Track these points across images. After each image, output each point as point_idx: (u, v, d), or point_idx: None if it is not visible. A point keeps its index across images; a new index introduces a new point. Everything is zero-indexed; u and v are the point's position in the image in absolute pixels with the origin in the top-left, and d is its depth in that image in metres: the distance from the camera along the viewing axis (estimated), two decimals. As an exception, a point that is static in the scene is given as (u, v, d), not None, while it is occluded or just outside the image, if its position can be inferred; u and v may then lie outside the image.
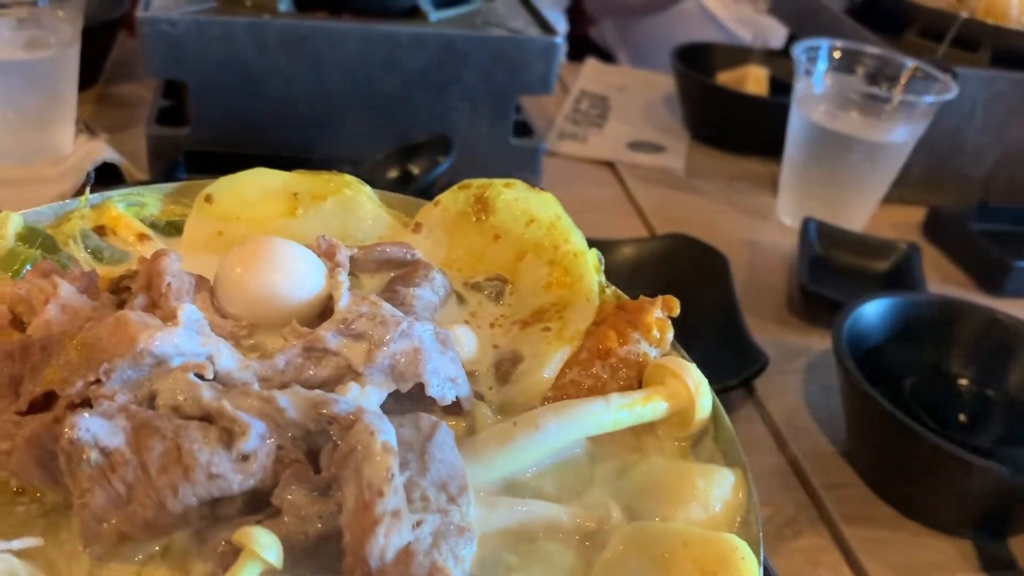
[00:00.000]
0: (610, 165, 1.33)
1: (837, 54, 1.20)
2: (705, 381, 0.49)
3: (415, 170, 1.06)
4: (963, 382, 0.88)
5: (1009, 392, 0.86)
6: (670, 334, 0.52)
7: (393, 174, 1.05)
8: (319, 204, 0.59)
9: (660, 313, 0.51)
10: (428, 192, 0.95)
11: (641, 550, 0.40)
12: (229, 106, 1.10)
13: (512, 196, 0.59)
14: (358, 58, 1.09)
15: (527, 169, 1.20)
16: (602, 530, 0.42)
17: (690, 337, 0.96)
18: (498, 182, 0.59)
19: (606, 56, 1.97)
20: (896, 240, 1.13)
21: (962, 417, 0.87)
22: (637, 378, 0.50)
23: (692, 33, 1.83)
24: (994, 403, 0.86)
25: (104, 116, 1.26)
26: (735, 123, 1.37)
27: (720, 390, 0.86)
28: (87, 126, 1.18)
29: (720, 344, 0.90)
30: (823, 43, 1.19)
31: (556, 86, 1.53)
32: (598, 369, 0.49)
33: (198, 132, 1.10)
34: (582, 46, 1.95)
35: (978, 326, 0.88)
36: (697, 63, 1.44)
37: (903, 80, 1.19)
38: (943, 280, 1.17)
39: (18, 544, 0.37)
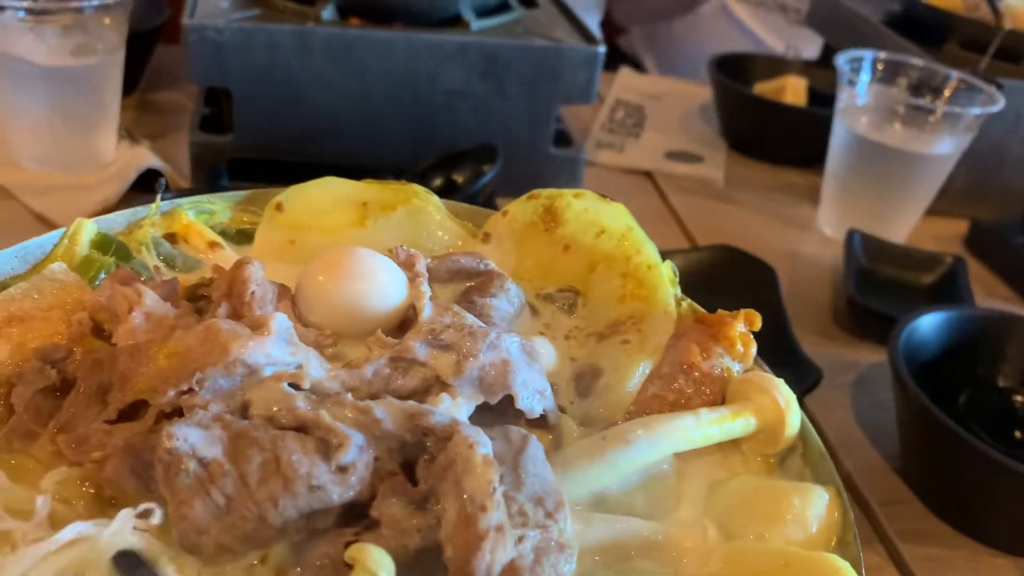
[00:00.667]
0: (648, 175, 1.33)
1: (880, 65, 1.19)
2: (794, 397, 0.48)
3: (459, 179, 1.05)
4: (1019, 398, 0.87)
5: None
6: (754, 348, 0.51)
7: (437, 183, 1.05)
8: (388, 214, 0.59)
9: (743, 327, 0.51)
10: (474, 201, 0.94)
11: (741, 570, 0.39)
12: (272, 114, 1.10)
13: (582, 206, 0.58)
14: (401, 66, 1.09)
15: (568, 179, 1.19)
16: (698, 548, 0.41)
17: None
18: (567, 192, 0.59)
19: (635, 66, 1.97)
20: (941, 253, 1.12)
21: (1018, 434, 0.86)
22: (721, 393, 0.49)
23: (720, 41, 1.82)
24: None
25: (144, 123, 1.26)
26: (774, 134, 1.37)
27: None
28: (129, 133, 1.18)
29: (771, 358, 0.89)
30: (866, 54, 1.19)
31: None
32: (681, 384, 0.49)
33: (241, 139, 1.10)
34: (612, 56, 1.94)
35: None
36: (734, 73, 1.43)
37: (947, 92, 1.18)
38: (988, 294, 1.16)
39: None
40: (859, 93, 1.18)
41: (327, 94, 1.09)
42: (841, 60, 1.16)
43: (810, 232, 1.24)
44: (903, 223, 1.21)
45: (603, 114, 1.46)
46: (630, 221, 0.58)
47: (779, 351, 0.90)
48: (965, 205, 1.28)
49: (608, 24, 2.14)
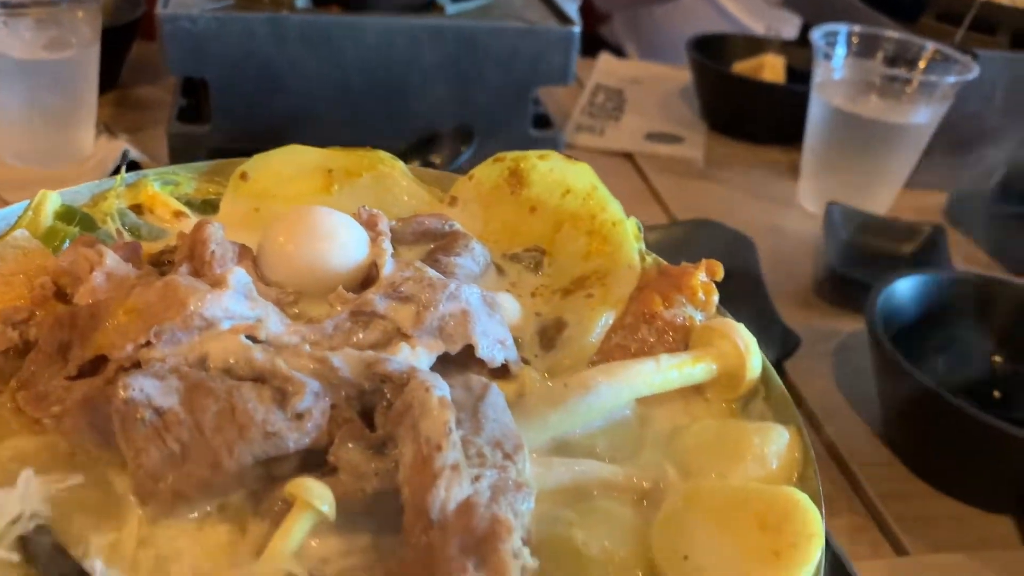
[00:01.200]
0: (628, 156, 1.33)
1: (856, 39, 1.20)
2: (754, 340, 0.48)
3: (436, 160, 1.05)
4: (997, 359, 0.87)
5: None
6: (715, 297, 0.51)
7: (414, 164, 1.04)
8: (354, 180, 0.59)
9: (704, 276, 0.51)
10: (451, 181, 0.95)
11: (700, 507, 0.40)
12: (249, 102, 1.10)
13: (547, 167, 0.59)
14: (377, 52, 1.09)
15: (547, 160, 1.19)
16: (658, 488, 0.41)
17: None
18: (532, 154, 0.59)
19: (617, 52, 1.97)
20: (921, 222, 1.12)
21: (996, 394, 0.86)
22: (683, 342, 0.50)
23: (702, 27, 1.82)
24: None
25: (123, 119, 1.26)
26: (753, 112, 1.37)
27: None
28: (107, 127, 1.18)
29: (750, 326, 0.90)
30: (842, 28, 1.19)
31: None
32: (644, 333, 0.49)
33: (219, 129, 1.10)
34: (593, 43, 1.95)
35: (1010, 303, 0.87)
36: (712, 54, 1.43)
37: (923, 63, 1.18)
38: (967, 261, 1.16)
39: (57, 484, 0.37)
40: (835, 67, 1.18)
41: (304, 81, 1.10)
42: (816, 35, 1.17)
43: (791, 207, 1.25)
44: (883, 195, 1.21)
45: (583, 98, 1.46)
46: (595, 180, 0.58)
47: (758, 319, 0.90)
48: (944, 177, 1.28)
49: (589, 11, 2.14)
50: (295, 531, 0.36)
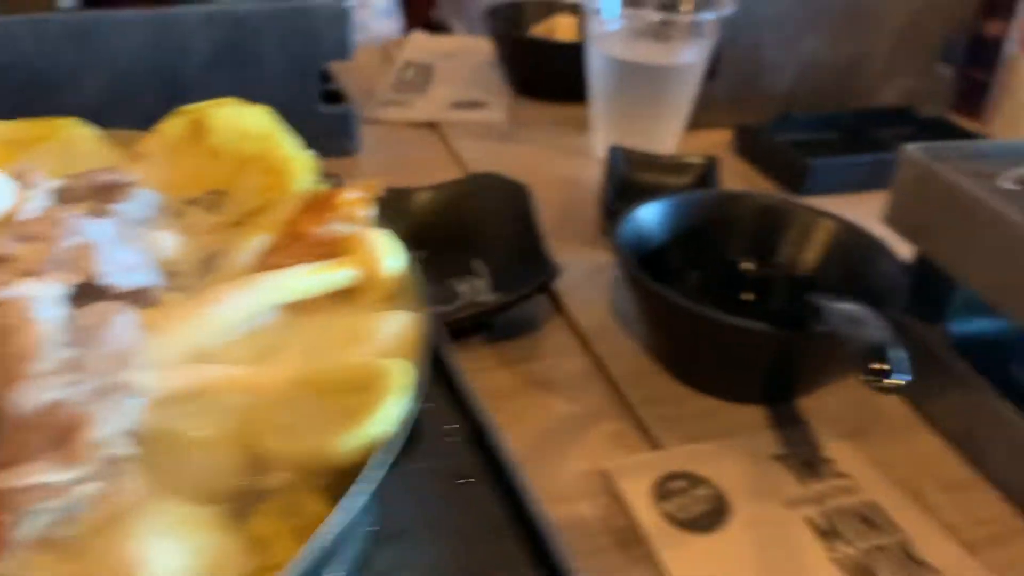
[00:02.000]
0: (435, 126, 1.37)
1: (623, -11, 1.25)
2: (391, 242, 0.51)
3: (216, 144, 1.07)
4: (747, 266, 0.93)
5: (786, 267, 0.91)
6: (367, 211, 0.54)
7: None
8: (36, 147, 0.60)
9: (355, 194, 0.54)
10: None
11: (308, 388, 0.42)
12: (20, 111, 1.09)
13: (227, 114, 0.61)
14: (148, 45, 1.10)
15: (342, 135, 1.22)
16: (274, 379, 0.44)
17: (494, 260, 0.99)
18: (212, 103, 0.62)
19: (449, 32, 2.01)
20: (696, 156, 1.18)
21: (750, 296, 0.92)
22: (333, 255, 0.53)
23: None
24: (776, 280, 0.92)
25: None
26: (551, 72, 1.42)
27: (518, 298, 0.89)
28: None
29: (520, 263, 0.94)
30: (607, -20, 1.25)
31: (383, 60, 1.56)
32: (296, 250, 0.52)
33: (-4, 138, 1.09)
34: (425, 27, 1.97)
35: (748, 212, 0.93)
36: (510, 21, 1.48)
37: (688, 3, 1.24)
38: (751, 187, 1.24)
39: None
40: (607, 19, 1.24)
41: (75, 83, 1.09)
42: (583, -11, 1.22)
43: (587, 158, 1.30)
44: (667, 136, 1.27)
45: (391, 75, 1.49)
46: (271, 121, 0.61)
47: (527, 256, 0.95)
48: (731, 114, 1.36)
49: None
50: None
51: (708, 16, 1.19)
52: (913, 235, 0.83)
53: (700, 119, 1.33)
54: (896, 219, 0.84)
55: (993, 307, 0.75)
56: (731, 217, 0.93)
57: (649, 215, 0.89)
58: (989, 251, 0.74)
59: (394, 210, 0.99)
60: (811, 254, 0.90)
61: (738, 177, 1.27)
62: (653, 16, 1.22)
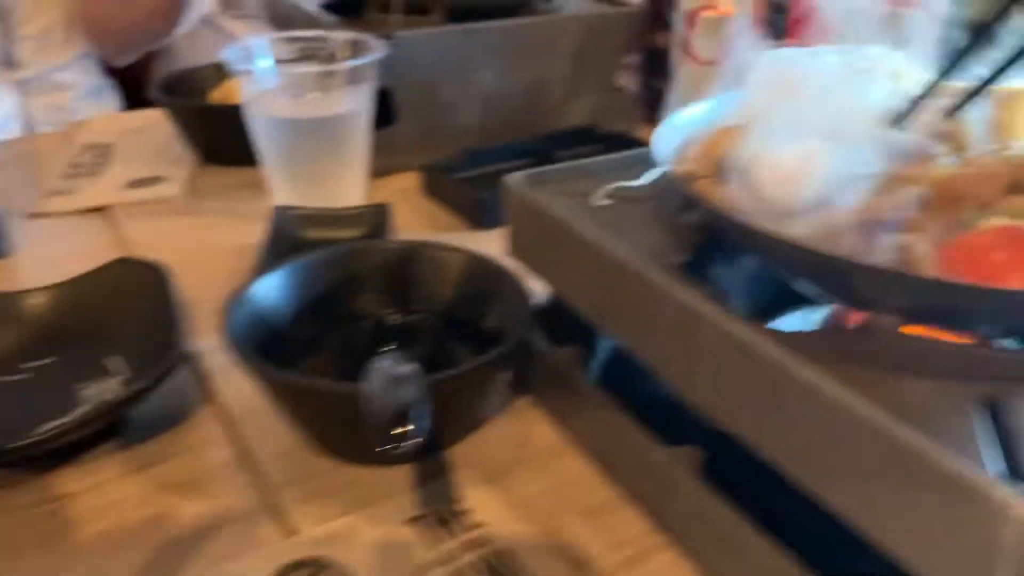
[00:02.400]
0: (104, 210, 1.27)
1: (276, 46, 1.21)
2: None
3: None
4: (394, 316, 0.90)
5: (425, 309, 0.88)
6: None
7: None
8: None
9: None
10: None
11: None
12: None
13: None
14: None
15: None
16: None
17: (133, 354, 0.91)
18: None
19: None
20: (367, 206, 1.15)
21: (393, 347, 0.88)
22: None
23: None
24: (418, 324, 0.89)
25: None
26: (230, 136, 1.36)
27: (138, 391, 0.81)
28: None
29: (159, 351, 0.87)
30: (257, 41, 1.20)
31: (64, 144, 1.44)
32: None
33: None
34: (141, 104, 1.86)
35: (382, 260, 0.90)
36: (186, 90, 1.41)
37: (344, 52, 1.22)
38: (439, 229, 1.22)
39: None
40: (262, 79, 1.19)
41: None
42: (229, 54, 1.17)
43: (267, 223, 1.24)
44: (349, 188, 1.24)
45: (62, 163, 1.38)
46: None
47: (170, 345, 0.87)
48: (418, 156, 1.34)
49: (132, 79, 2.06)
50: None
51: (360, 61, 1.17)
52: (530, 263, 0.82)
53: (388, 164, 1.31)
54: (513, 249, 0.83)
55: (597, 325, 0.75)
56: (365, 269, 0.89)
57: (268, 289, 0.84)
58: (580, 271, 0.74)
59: None
60: (446, 291, 0.88)
61: (426, 219, 1.25)
62: (305, 69, 1.18)
